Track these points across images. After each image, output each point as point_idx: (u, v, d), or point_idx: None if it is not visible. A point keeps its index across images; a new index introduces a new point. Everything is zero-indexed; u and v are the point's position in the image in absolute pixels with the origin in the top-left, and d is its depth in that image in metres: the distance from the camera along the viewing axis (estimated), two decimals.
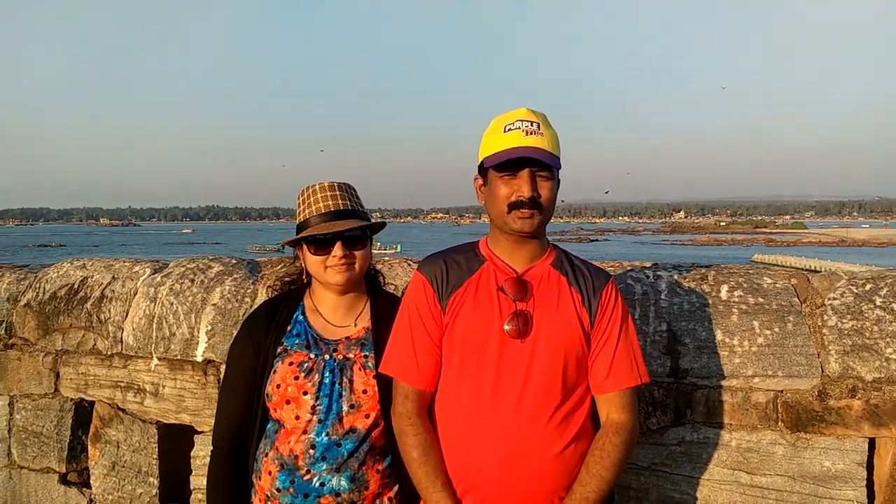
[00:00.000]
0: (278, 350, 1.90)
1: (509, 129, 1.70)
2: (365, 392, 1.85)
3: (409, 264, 2.78)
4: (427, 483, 1.68)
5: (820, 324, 2.22)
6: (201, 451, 2.72)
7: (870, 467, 2.16)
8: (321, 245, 1.90)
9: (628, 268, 2.54)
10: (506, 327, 1.69)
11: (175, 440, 2.87)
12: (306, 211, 1.94)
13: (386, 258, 2.87)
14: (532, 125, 1.69)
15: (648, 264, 2.57)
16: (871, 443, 2.16)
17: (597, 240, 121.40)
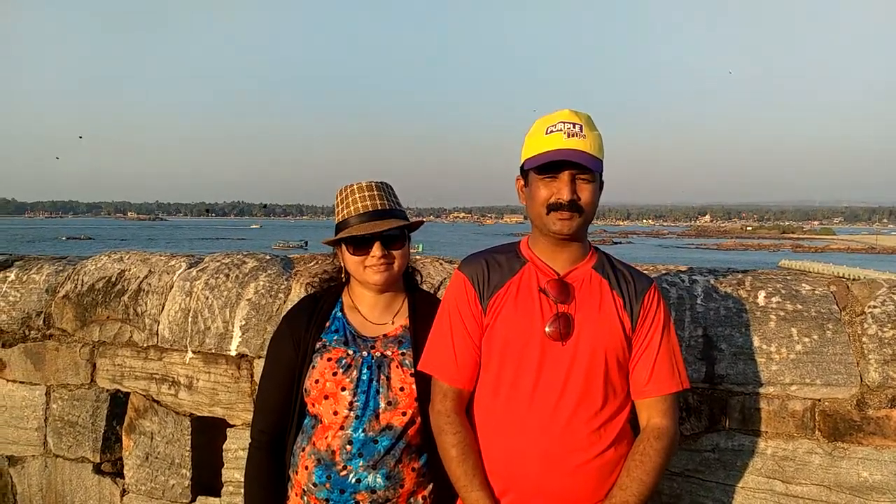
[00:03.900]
0: (317, 346, 1.92)
1: (551, 131, 1.69)
2: (402, 389, 1.86)
3: (441, 263, 2.79)
4: (465, 482, 1.68)
5: (860, 332, 2.19)
6: (233, 445, 2.76)
7: None
8: (360, 245, 1.91)
9: (663, 271, 2.52)
10: (547, 329, 1.68)
11: (208, 433, 2.91)
12: (345, 211, 1.95)
13: (417, 257, 2.88)
14: (574, 127, 1.68)
15: (684, 268, 2.54)
16: None
17: (620, 242, 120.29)
